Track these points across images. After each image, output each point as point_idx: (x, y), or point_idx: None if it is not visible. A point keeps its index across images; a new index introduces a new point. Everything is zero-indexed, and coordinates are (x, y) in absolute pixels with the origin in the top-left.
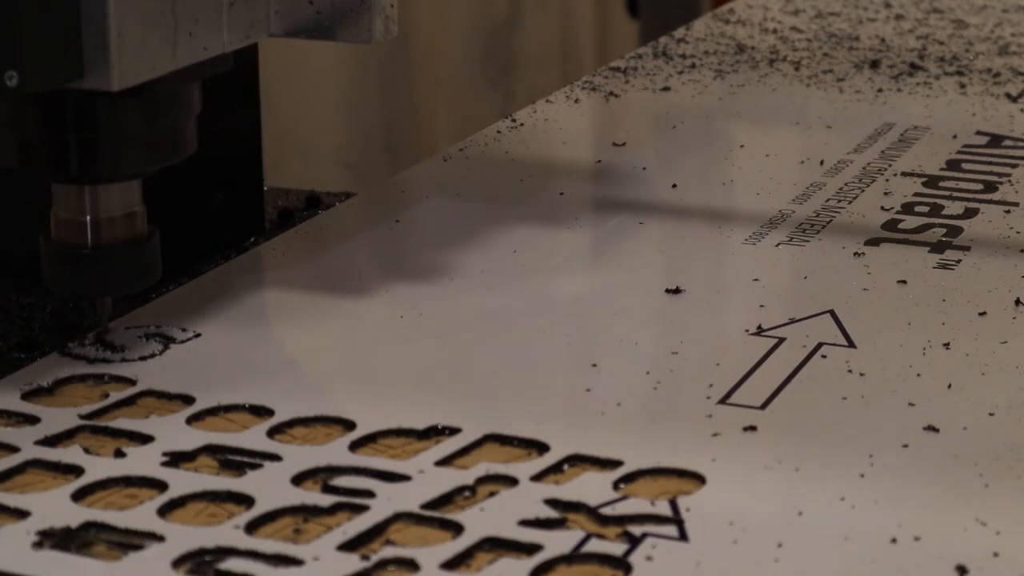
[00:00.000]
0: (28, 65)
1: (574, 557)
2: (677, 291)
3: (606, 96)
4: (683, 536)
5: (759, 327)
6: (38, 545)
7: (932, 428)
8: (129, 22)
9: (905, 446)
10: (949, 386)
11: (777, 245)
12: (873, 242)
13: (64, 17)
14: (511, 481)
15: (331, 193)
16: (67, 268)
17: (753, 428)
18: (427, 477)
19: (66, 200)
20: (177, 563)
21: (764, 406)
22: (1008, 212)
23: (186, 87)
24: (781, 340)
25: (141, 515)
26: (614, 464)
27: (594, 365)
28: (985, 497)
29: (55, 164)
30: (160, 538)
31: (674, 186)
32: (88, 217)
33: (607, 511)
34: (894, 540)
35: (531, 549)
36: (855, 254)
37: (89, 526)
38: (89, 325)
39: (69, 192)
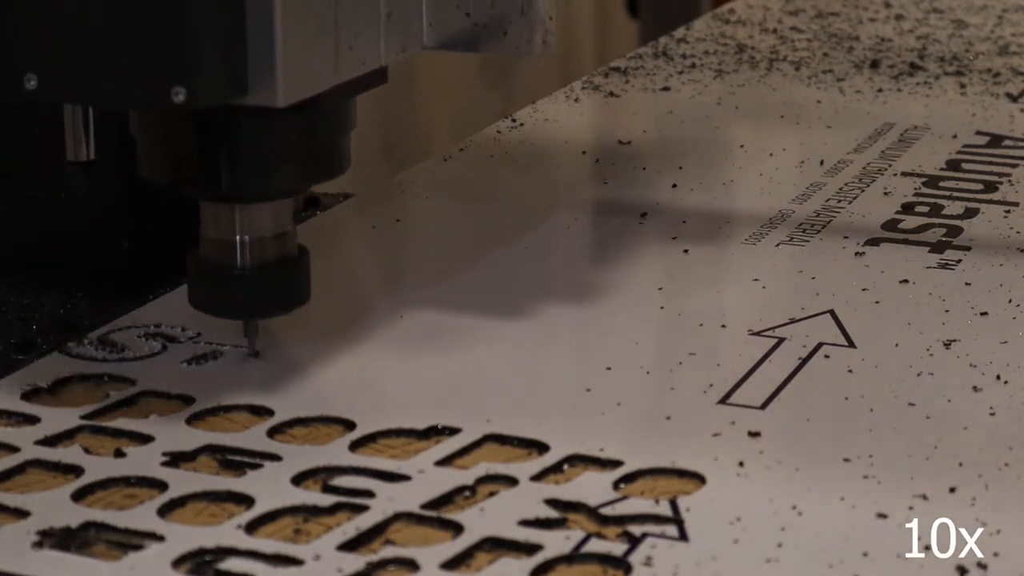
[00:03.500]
0: (195, 81)
1: (574, 557)
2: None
3: (606, 96)
4: (683, 536)
5: (759, 327)
6: (38, 545)
7: (932, 428)
8: (295, 36)
9: (905, 446)
10: (949, 386)
11: (777, 245)
12: (873, 242)
13: (230, 32)
14: (511, 481)
15: (329, 194)
16: (216, 288)
17: (757, 434)
18: (427, 477)
19: (216, 218)
20: (177, 563)
21: (764, 406)
22: (1008, 212)
23: (344, 103)
24: (781, 340)
25: (141, 515)
26: (614, 464)
27: (594, 365)
28: (985, 497)
29: (207, 183)
30: (160, 538)
31: (674, 186)
32: (238, 237)
33: (607, 511)
34: (894, 540)
35: (531, 549)
36: (855, 254)
37: (89, 526)
38: (87, 325)
39: (220, 211)
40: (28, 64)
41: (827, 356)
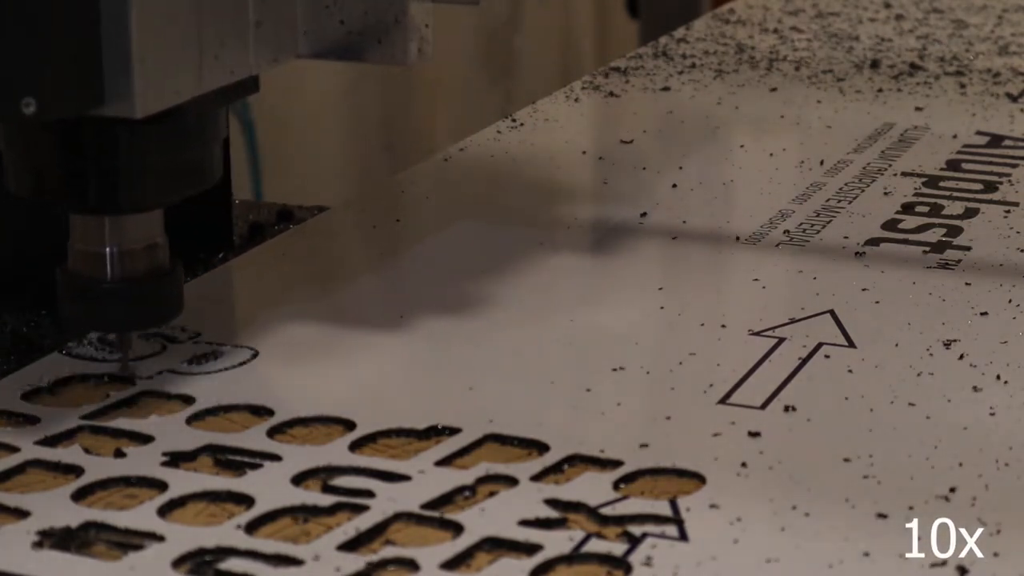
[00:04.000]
0: (46, 91)
1: (574, 557)
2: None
3: (606, 96)
4: (683, 536)
5: (759, 327)
6: (38, 545)
7: (932, 428)
8: (153, 45)
9: (905, 446)
10: (949, 386)
11: (777, 245)
12: (873, 242)
13: (83, 41)
14: (511, 481)
15: (303, 207)
16: (85, 302)
17: (757, 434)
18: (427, 477)
19: (84, 231)
20: (177, 563)
21: (764, 406)
22: (1008, 212)
23: (212, 113)
24: (781, 340)
25: (141, 515)
26: (614, 464)
27: (594, 365)
28: (985, 497)
29: (74, 194)
30: (160, 538)
31: (674, 186)
32: (107, 249)
33: (607, 511)
34: (894, 540)
35: (531, 549)
36: (855, 254)
37: (89, 526)
38: (48, 345)
39: (88, 223)
40: None
41: (827, 356)
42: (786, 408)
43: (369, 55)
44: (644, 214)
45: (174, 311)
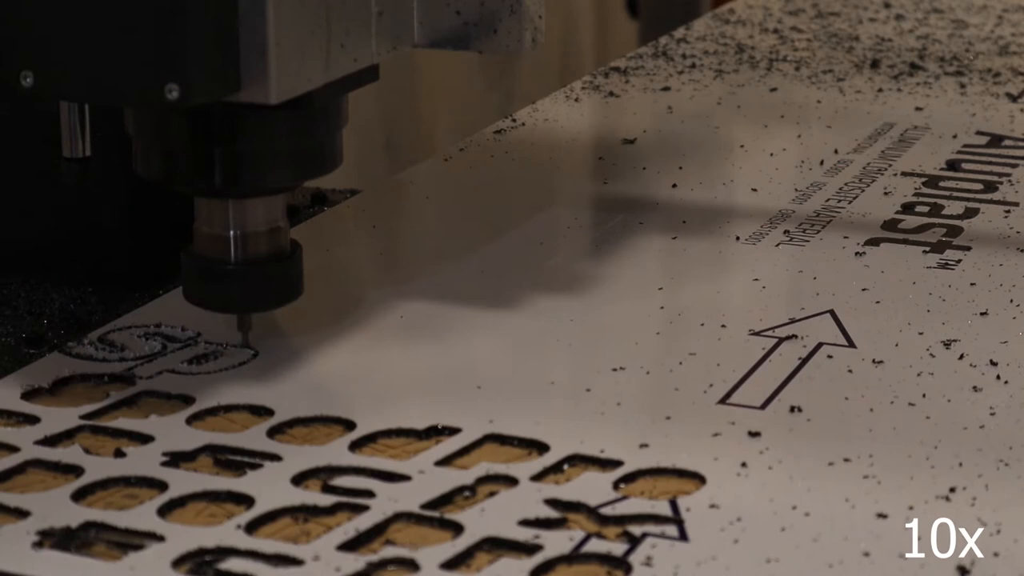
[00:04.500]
0: (189, 78)
1: (574, 557)
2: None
3: (606, 96)
4: (683, 536)
5: (759, 327)
6: (38, 545)
7: (932, 428)
8: (287, 33)
9: (905, 446)
10: (949, 386)
11: (777, 245)
12: (873, 242)
13: (223, 29)
14: (511, 481)
15: (336, 190)
16: (210, 283)
17: (757, 434)
18: (427, 477)
19: (209, 214)
20: (177, 563)
21: (764, 406)
22: (1008, 212)
23: (336, 100)
24: (781, 340)
25: (141, 515)
26: (614, 464)
27: (594, 365)
28: (985, 497)
29: (201, 179)
30: (160, 538)
31: (674, 186)
32: (232, 232)
33: (607, 511)
34: (894, 540)
35: (531, 549)
36: (855, 254)
37: (89, 526)
38: (96, 321)
39: (212, 206)
40: (24, 62)
41: (827, 356)
42: (792, 409)
43: (483, 45)
44: (644, 214)
45: (295, 293)
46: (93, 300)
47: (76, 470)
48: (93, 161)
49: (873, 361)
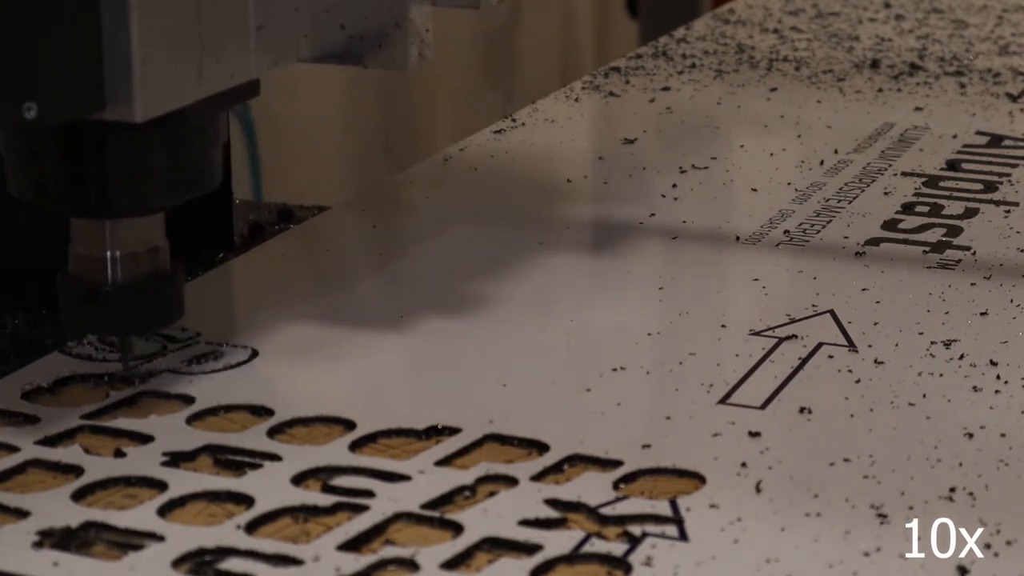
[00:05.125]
0: (47, 96)
1: (574, 557)
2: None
3: (606, 96)
4: (683, 536)
5: (759, 327)
6: (38, 545)
7: (932, 428)
8: (154, 49)
9: (905, 446)
10: (949, 386)
11: (777, 245)
12: (873, 242)
13: (84, 45)
14: (511, 481)
15: (303, 207)
16: (87, 306)
17: (757, 434)
18: (427, 477)
19: (85, 235)
20: (177, 563)
21: (764, 406)
22: (1008, 212)
23: (212, 116)
24: (781, 340)
25: (141, 515)
26: (614, 464)
27: (594, 365)
28: (985, 497)
29: (73, 199)
30: (160, 538)
31: (674, 186)
32: (108, 253)
33: (607, 511)
34: (894, 540)
35: (531, 549)
36: (855, 254)
37: (89, 526)
38: (51, 344)
39: (88, 227)
40: None
41: (827, 356)
42: (801, 409)
43: (370, 59)
44: (644, 214)
45: (175, 314)
46: (48, 323)
47: (76, 470)
48: None
49: (873, 361)
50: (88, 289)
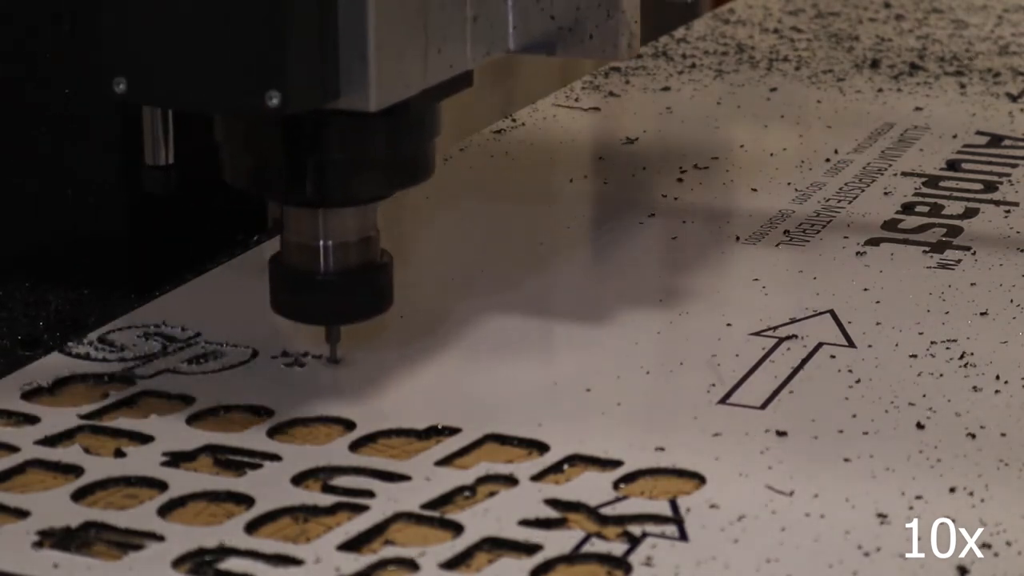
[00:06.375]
0: (290, 85)
1: (574, 557)
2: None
3: (606, 96)
4: (683, 536)
5: (759, 327)
6: (38, 545)
7: (932, 427)
8: (387, 40)
9: (905, 446)
10: (949, 386)
11: (777, 245)
12: (873, 242)
13: (324, 35)
14: (511, 481)
15: None
16: (300, 294)
17: (758, 434)
18: (427, 477)
19: (298, 224)
20: (177, 563)
21: (764, 406)
22: (1008, 212)
23: (430, 107)
24: (781, 340)
25: (141, 515)
26: (614, 464)
27: (594, 365)
28: (985, 497)
29: (291, 187)
30: (160, 538)
31: (679, 180)
32: (322, 242)
33: (607, 511)
34: (894, 540)
35: (531, 549)
36: (855, 254)
37: (89, 526)
38: (93, 322)
39: (302, 216)
40: (118, 68)
41: (827, 356)
42: (801, 410)
43: (579, 50)
44: (646, 214)
45: (384, 305)
46: (89, 302)
47: (76, 470)
48: (174, 168)
49: (873, 361)
50: (300, 277)
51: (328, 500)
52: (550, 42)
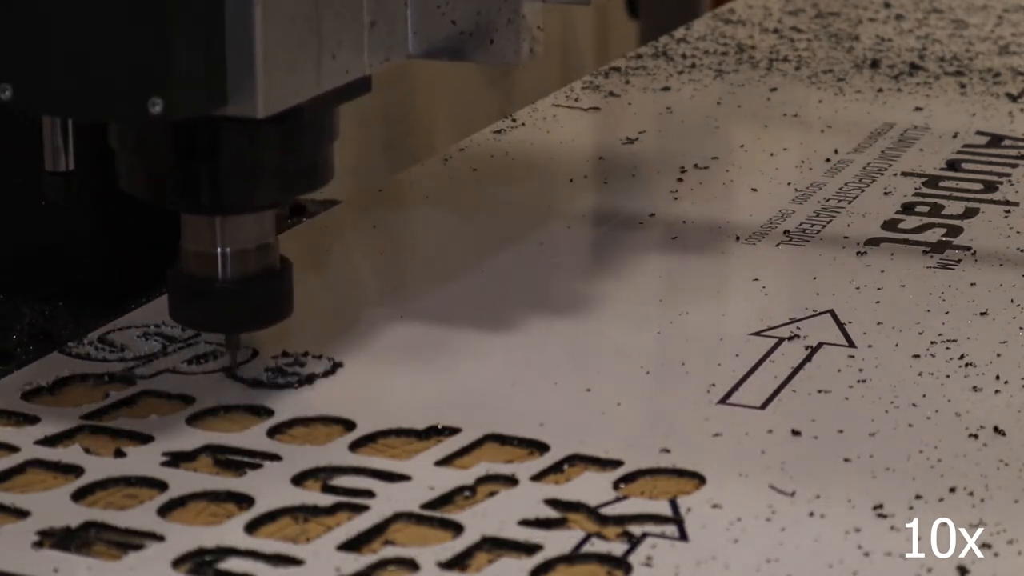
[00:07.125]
0: (173, 91)
1: (574, 557)
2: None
3: (606, 96)
4: (683, 536)
5: (759, 327)
6: (38, 545)
7: (932, 428)
8: (276, 45)
9: (905, 446)
10: (949, 386)
11: (777, 245)
12: (873, 242)
13: (209, 40)
14: (511, 481)
15: (316, 201)
16: (197, 303)
17: (759, 434)
18: (427, 477)
19: (195, 231)
20: (177, 563)
21: (764, 406)
22: (1008, 212)
23: (327, 112)
24: (781, 340)
25: (141, 515)
26: (614, 464)
27: (594, 365)
28: (985, 497)
29: (186, 194)
30: (160, 538)
31: (678, 180)
32: (219, 250)
33: (607, 511)
34: (894, 540)
35: (531, 549)
36: (855, 254)
37: (89, 526)
38: (65, 335)
39: (199, 223)
40: (3, 74)
41: (827, 356)
42: (801, 410)
43: (479, 55)
44: (644, 214)
45: (284, 312)
46: (63, 315)
47: (76, 470)
48: (75, 175)
49: (873, 361)
50: (197, 285)
51: (328, 500)
52: (452, 47)
